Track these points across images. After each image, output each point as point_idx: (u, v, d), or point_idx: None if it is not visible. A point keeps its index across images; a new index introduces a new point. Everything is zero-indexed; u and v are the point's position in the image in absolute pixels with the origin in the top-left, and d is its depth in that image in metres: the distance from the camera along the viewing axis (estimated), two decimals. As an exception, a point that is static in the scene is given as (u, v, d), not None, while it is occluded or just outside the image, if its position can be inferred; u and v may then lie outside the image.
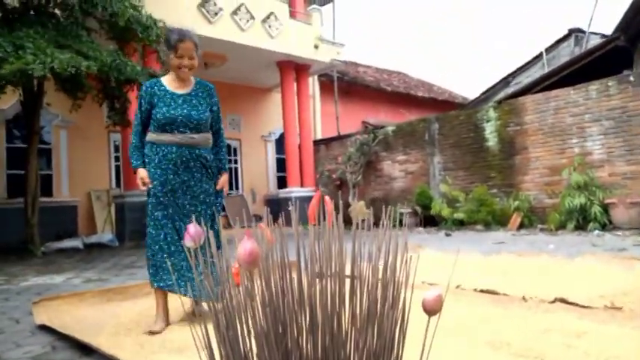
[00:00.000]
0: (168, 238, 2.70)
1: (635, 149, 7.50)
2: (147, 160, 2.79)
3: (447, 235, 8.03)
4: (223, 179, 2.93)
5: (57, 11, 7.14)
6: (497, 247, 5.71)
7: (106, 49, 6.63)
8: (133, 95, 7.72)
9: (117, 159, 10.66)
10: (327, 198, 0.61)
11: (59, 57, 5.58)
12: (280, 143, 13.03)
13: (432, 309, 0.51)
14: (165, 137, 2.73)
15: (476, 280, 3.27)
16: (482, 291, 2.98)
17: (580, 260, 4.11)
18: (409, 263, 0.70)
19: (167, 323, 2.66)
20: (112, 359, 2.13)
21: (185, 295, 2.60)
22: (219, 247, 1.08)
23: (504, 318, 2.47)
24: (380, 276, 0.68)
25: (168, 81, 2.85)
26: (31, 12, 7.05)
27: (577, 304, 2.49)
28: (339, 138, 12.62)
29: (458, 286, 3.08)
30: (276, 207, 11.81)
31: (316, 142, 12.82)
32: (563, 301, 2.56)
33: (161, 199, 2.75)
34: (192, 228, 0.52)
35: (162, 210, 2.75)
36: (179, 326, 2.68)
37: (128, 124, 7.96)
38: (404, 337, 0.68)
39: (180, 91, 2.81)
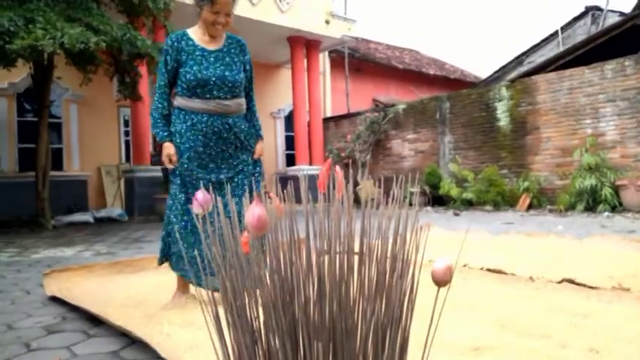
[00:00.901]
0: (189, 227, 2.46)
1: (650, 131, 7.37)
2: (172, 130, 2.44)
3: (456, 214, 8.01)
4: (260, 147, 2.63)
5: (67, -17, 7.07)
6: (506, 227, 5.68)
7: (117, 23, 6.58)
8: (143, 69, 7.68)
9: (126, 133, 10.69)
10: (337, 167, 0.60)
11: (69, 32, 5.54)
12: (289, 120, 12.97)
13: (441, 279, 0.50)
14: (196, 104, 2.39)
15: (483, 260, 3.27)
16: (489, 270, 2.97)
17: (588, 241, 4.08)
18: (419, 234, 0.69)
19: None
20: (120, 330, 2.17)
21: (214, 289, 1.94)
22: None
23: (511, 297, 2.47)
24: (389, 247, 0.68)
25: (196, 34, 2.48)
26: (42, -16, 6.99)
27: (585, 285, 2.48)
28: (349, 116, 12.53)
29: (465, 265, 3.08)
30: (285, 184, 11.86)
31: (326, 120, 12.75)
32: (570, 281, 2.55)
33: (187, 178, 2.44)
34: (201, 194, 0.52)
35: (187, 190, 2.44)
36: (188, 301, 2.70)
37: (139, 98, 7.95)
38: (412, 309, 0.68)
39: (211, 47, 2.46)
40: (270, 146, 13.42)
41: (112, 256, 4.44)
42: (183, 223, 2.46)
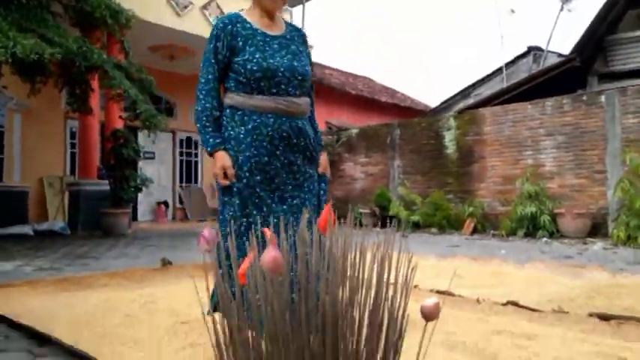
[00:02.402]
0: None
1: (584, 164, 7.91)
2: (226, 136, 1.91)
3: (404, 236, 8.21)
4: (325, 160, 2.17)
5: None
6: (452, 250, 5.89)
7: (72, 36, 6.42)
8: (95, 83, 7.49)
9: (73, 145, 10.30)
10: (332, 214, 0.64)
11: (22, 42, 5.35)
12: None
13: (430, 315, 0.56)
14: (259, 101, 1.88)
15: (432, 281, 3.39)
16: (438, 292, 3.08)
17: (530, 266, 4.31)
18: (405, 259, 0.74)
19: None
20: (69, 349, 2.09)
21: None
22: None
23: (460, 319, 2.57)
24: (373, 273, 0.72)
25: (253, 16, 1.99)
26: (-7, -7, 6.73)
27: (527, 308, 2.63)
28: (303, 137, 12.63)
29: (416, 286, 3.18)
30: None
31: (279, 140, 12.79)
32: (514, 304, 2.70)
33: (248, 198, 1.86)
34: (207, 231, 0.53)
35: (250, 213, 1.86)
36: (138, 320, 2.64)
37: (89, 111, 7.72)
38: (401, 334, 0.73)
39: (273, 32, 1.98)
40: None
41: (55, 271, 4.25)
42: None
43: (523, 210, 7.69)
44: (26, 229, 8.03)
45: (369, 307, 0.73)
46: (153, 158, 11.91)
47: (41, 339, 2.27)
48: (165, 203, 11.91)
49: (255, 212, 1.84)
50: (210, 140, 1.91)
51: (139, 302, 3.05)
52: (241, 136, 1.87)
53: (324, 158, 2.15)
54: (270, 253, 0.51)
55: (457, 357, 1.98)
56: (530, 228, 7.69)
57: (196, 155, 12.82)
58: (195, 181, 12.78)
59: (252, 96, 1.88)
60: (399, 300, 0.55)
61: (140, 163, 10.28)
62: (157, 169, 11.96)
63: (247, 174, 1.86)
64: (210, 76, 1.93)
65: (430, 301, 0.49)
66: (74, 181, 9.04)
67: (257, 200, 1.87)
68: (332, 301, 0.55)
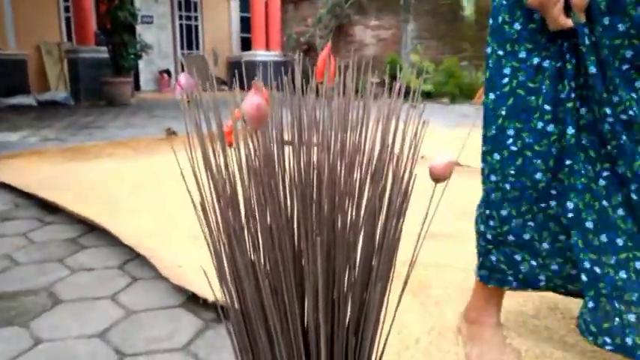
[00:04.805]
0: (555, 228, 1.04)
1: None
2: None
3: (413, 107, 8.04)
4: None
5: None
6: (462, 120, 5.78)
7: None
8: None
9: (67, 9, 9.72)
10: (332, 55, 0.53)
11: None
12: (245, 0, 12.13)
13: (440, 175, 0.48)
14: None
15: (441, 151, 3.33)
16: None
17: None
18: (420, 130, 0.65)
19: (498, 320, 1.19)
20: (77, 217, 2.12)
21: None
22: None
23: (466, 188, 2.56)
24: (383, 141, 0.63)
25: None
26: None
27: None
28: (309, -2, 11.83)
29: (422, 157, 3.13)
30: (239, 71, 11.39)
31: (284, 1, 12.00)
32: (523, 173, 2.65)
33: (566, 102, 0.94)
34: (183, 77, 0.43)
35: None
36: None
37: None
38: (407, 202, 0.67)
39: None
40: (224, 28, 12.66)
41: (60, 142, 4.24)
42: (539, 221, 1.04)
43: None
44: (29, 100, 7.94)
45: (372, 168, 0.65)
46: (151, 23, 11.31)
47: (50, 207, 2.30)
48: (168, 72, 11.59)
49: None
50: None
51: (146, 171, 3.07)
52: None
53: None
54: (254, 100, 0.42)
55: (463, 225, 1.99)
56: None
57: (196, 19, 12.14)
58: (197, 47, 12.28)
59: None
60: (404, 160, 0.48)
61: (138, 29, 9.77)
62: (157, 35, 11.43)
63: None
64: None
65: (441, 159, 0.41)
66: (72, 48, 8.69)
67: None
68: (330, 162, 0.47)
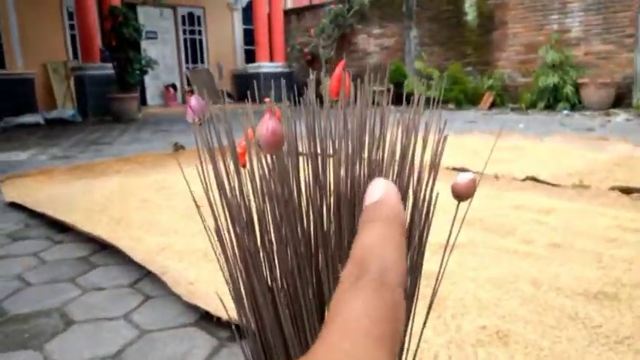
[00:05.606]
0: None
1: (613, 27, 7.36)
2: None
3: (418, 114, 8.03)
4: None
5: None
6: (469, 126, 5.76)
7: None
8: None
9: (72, 27, 9.83)
10: (346, 73, 0.51)
11: None
12: (248, 12, 12.21)
13: (464, 193, 0.46)
14: None
15: (448, 159, 3.31)
16: (454, 169, 3.02)
17: (549, 139, 4.19)
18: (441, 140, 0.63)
19: None
20: (87, 236, 2.12)
21: None
22: None
23: (477, 195, 2.53)
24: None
25: None
26: None
27: (547, 182, 2.56)
28: (312, 8, 11.89)
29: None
30: (244, 83, 11.44)
31: (287, 12, 12.08)
32: (533, 179, 2.63)
33: None
34: (194, 100, 0.41)
35: None
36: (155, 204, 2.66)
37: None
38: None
39: None
40: (228, 40, 12.74)
41: (69, 159, 4.26)
42: None
43: (545, 80, 7.35)
44: (37, 118, 8.01)
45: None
46: (155, 38, 11.41)
47: (59, 226, 2.31)
48: (174, 86, 11.67)
49: None
50: None
51: (154, 187, 3.06)
52: None
53: None
54: (269, 125, 0.40)
55: (475, 233, 1.97)
56: (551, 100, 7.41)
57: (200, 33, 12.24)
58: (202, 61, 12.36)
59: None
60: (426, 177, 0.46)
61: (143, 45, 9.87)
62: (161, 50, 11.52)
63: None
64: None
65: (464, 176, 0.39)
66: (78, 65, 8.78)
67: None
68: (350, 175, 0.45)
